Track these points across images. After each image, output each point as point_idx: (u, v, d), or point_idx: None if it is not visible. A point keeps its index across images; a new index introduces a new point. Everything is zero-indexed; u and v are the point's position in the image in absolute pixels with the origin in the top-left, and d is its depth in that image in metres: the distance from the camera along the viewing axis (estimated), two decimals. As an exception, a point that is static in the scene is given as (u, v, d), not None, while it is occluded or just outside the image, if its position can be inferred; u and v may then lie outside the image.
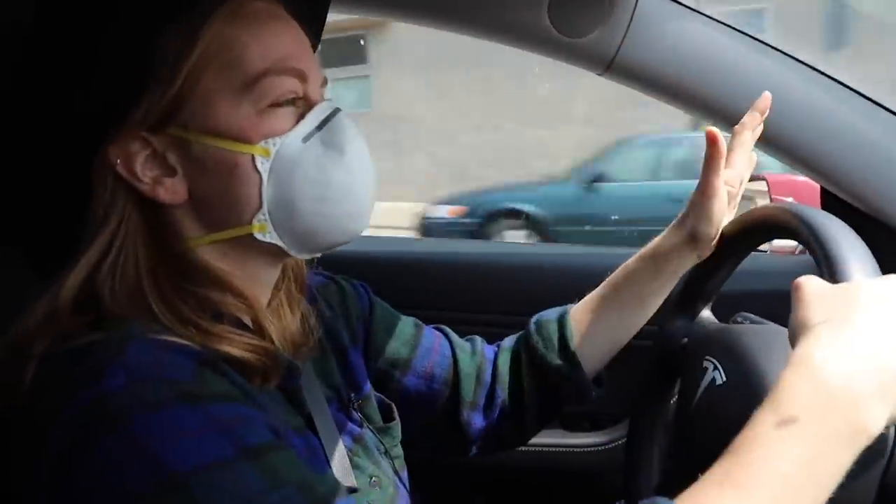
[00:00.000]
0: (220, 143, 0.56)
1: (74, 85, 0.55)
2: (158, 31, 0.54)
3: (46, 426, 0.47)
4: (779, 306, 0.87)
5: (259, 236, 0.58)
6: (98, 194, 0.56)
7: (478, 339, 0.88)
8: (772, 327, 0.75)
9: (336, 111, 0.60)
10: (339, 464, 0.64)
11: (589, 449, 1.17)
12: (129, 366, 0.48)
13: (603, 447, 1.16)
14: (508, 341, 0.88)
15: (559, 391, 0.83)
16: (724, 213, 0.78)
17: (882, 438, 0.49)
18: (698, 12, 0.96)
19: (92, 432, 0.46)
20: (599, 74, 1.00)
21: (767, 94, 0.79)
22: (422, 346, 0.83)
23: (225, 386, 0.51)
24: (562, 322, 0.84)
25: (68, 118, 0.55)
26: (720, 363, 0.69)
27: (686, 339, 0.80)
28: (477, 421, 0.84)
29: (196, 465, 0.45)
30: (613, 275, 0.85)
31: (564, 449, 1.18)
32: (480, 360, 0.85)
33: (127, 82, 0.54)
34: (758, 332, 0.72)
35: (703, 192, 0.76)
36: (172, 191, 0.57)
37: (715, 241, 0.79)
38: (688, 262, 0.81)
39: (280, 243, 0.59)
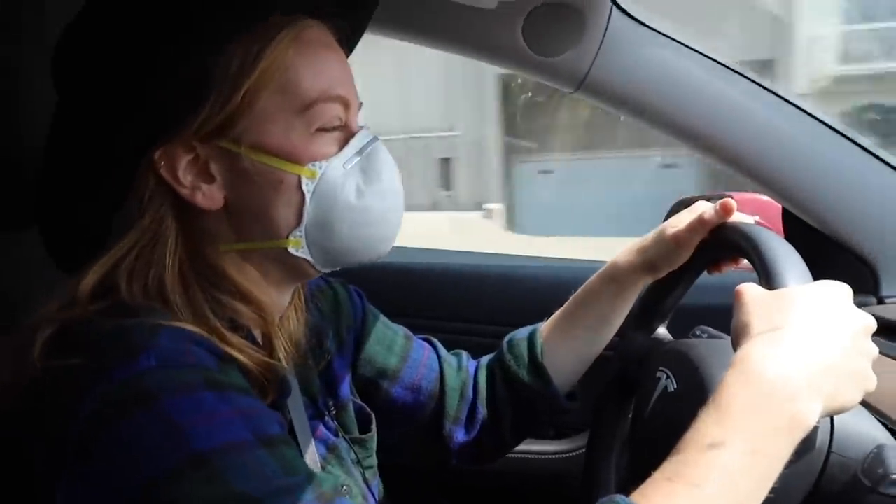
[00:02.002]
0: (270, 160, 0.58)
1: (136, 88, 0.56)
2: (223, 48, 0.56)
3: (74, 403, 0.49)
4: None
5: (293, 251, 0.61)
6: (138, 193, 0.58)
7: (464, 354, 0.91)
8: (723, 341, 0.79)
9: (374, 139, 0.64)
10: None
11: (554, 456, 1.20)
12: (161, 351, 0.51)
13: (567, 454, 1.19)
14: (485, 359, 0.91)
15: (533, 406, 0.86)
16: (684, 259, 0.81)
17: (815, 430, 0.53)
18: (667, 36, 1.00)
19: (125, 407, 0.48)
20: (571, 93, 1.03)
21: (731, 204, 0.74)
22: (411, 358, 0.86)
23: (243, 381, 0.55)
24: (532, 340, 0.87)
25: (125, 120, 0.57)
26: (672, 372, 0.72)
27: (643, 355, 0.83)
28: (459, 435, 0.86)
29: (220, 444, 0.48)
30: (577, 294, 0.88)
31: (531, 456, 1.20)
32: (465, 375, 0.88)
33: (188, 92, 0.56)
34: (708, 344, 0.75)
35: (677, 242, 0.78)
36: (210, 197, 0.59)
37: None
38: (645, 282, 0.85)
39: (310, 259, 0.62)
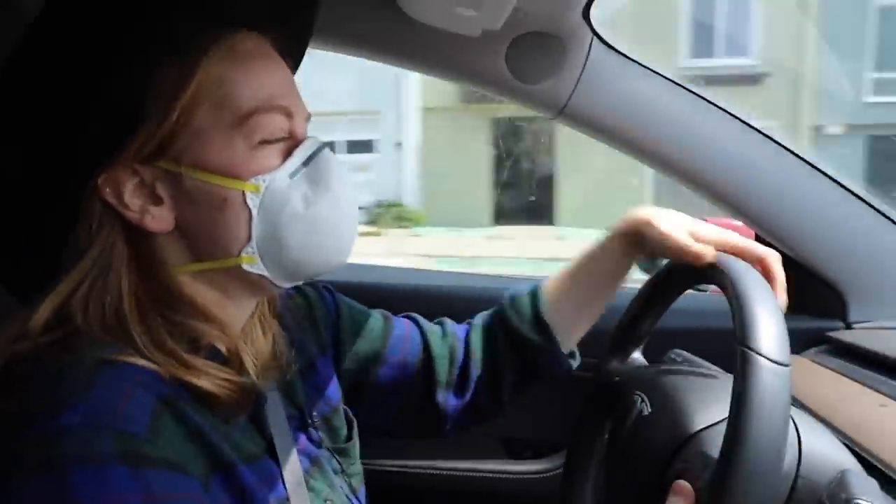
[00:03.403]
0: (211, 178, 0.57)
1: (70, 116, 0.56)
2: (155, 67, 0.55)
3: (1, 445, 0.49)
4: (713, 344, 0.93)
5: (247, 267, 0.60)
6: (85, 221, 0.57)
7: (448, 320, 0.90)
8: (695, 368, 0.81)
9: (321, 147, 0.62)
10: (296, 489, 0.65)
11: (532, 476, 1.20)
12: (90, 406, 0.49)
13: (545, 474, 1.20)
14: (479, 318, 0.89)
15: (534, 361, 0.84)
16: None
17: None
18: (645, 66, 1.03)
19: (31, 465, 0.47)
20: (552, 119, 1.06)
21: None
22: (392, 336, 0.84)
23: (175, 443, 0.52)
24: (534, 295, 0.86)
25: (62, 147, 0.56)
26: (647, 396, 0.74)
27: (618, 379, 0.85)
28: (452, 400, 0.85)
29: None
30: (580, 255, 0.86)
31: (508, 476, 1.21)
32: (452, 340, 0.86)
33: (123, 116, 0.55)
34: (680, 371, 0.78)
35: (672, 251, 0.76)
36: (159, 219, 0.58)
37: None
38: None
39: (266, 274, 0.61)
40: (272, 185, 0.58)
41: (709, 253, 0.71)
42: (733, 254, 0.71)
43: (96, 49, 0.55)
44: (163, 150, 0.56)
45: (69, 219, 0.57)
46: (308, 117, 0.64)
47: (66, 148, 0.56)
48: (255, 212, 0.58)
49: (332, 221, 0.61)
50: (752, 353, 0.57)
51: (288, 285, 0.65)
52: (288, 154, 0.60)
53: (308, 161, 0.61)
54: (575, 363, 0.87)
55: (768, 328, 0.58)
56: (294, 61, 0.68)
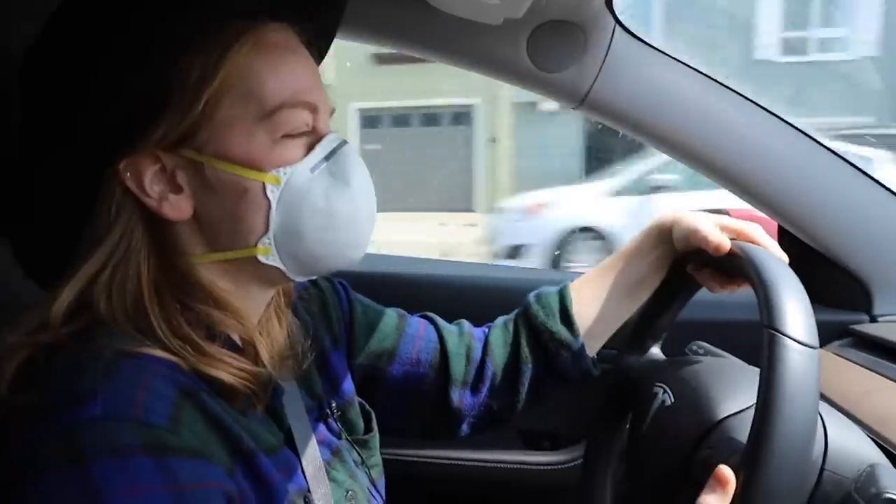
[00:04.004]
0: (233, 168, 0.57)
1: (96, 100, 0.56)
2: (182, 57, 0.55)
3: (18, 438, 0.49)
4: (734, 336, 0.92)
5: (262, 259, 0.60)
6: (104, 205, 0.57)
7: (465, 321, 0.89)
8: (717, 359, 0.80)
9: (343, 143, 0.62)
10: (316, 479, 0.65)
11: (549, 467, 1.20)
12: (110, 398, 0.49)
13: (562, 466, 1.20)
14: (500, 319, 0.89)
15: (558, 359, 0.84)
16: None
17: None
18: (667, 55, 1.02)
19: (55, 460, 0.47)
20: (573, 108, 1.05)
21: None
22: (406, 334, 0.84)
23: (196, 432, 0.52)
24: (562, 293, 0.85)
25: (86, 131, 0.56)
26: (669, 387, 0.74)
27: (637, 374, 0.84)
28: (467, 399, 0.84)
29: None
30: (610, 257, 0.87)
31: (526, 466, 1.21)
32: (469, 339, 0.86)
33: (147, 103, 0.55)
34: (703, 360, 0.77)
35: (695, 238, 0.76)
36: (177, 207, 0.58)
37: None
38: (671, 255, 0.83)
39: (282, 266, 0.61)
40: (293, 178, 0.59)
41: (728, 243, 0.72)
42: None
43: (123, 36, 0.55)
44: (185, 139, 0.57)
45: (89, 203, 0.58)
46: (332, 111, 0.64)
47: (89, 132, 0.56)
48: (274, 203, 0.58)
49: (349, 217, 0.62)
50: (779, 335, 0.56)
51: (302, 279, 0.65)
52: (310, 148, 0.60)
53: (329, 156, 0.61)
54: (596, 370, 0.87)
55: (795, 310, 0.58)
56: (320, 53, 0.68)
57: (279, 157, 0.58)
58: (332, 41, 0.71)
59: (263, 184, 0.58)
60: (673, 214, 0.82)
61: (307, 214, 0.59)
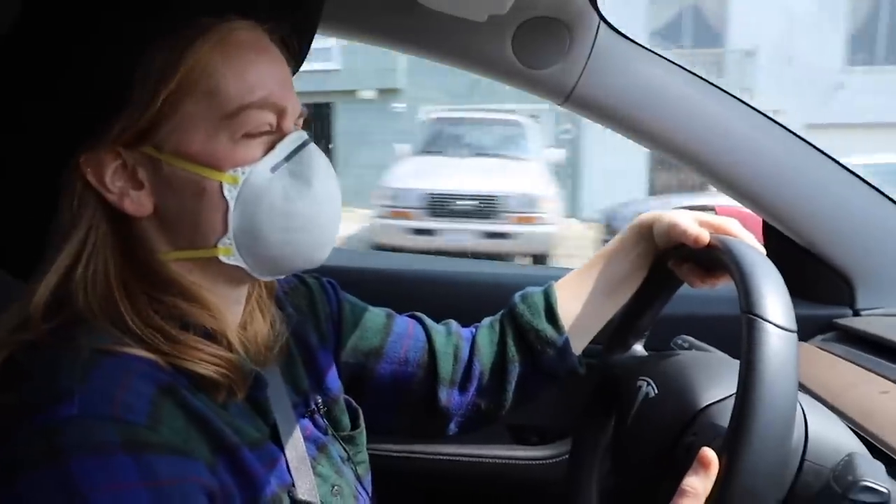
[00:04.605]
0: (189, 167, 0.57)
1: (52, 96, 0.55)
2: (141, 53, 0.55)
3: (0, 438, 0.49)
4: (718, 329, 0.93)
5: (224, 258, 0.60)
6: (66, 199, 0.57)
7: (453, 321, 0.90)
8: (700, 352, 0.81)
9: (306, 142, 0.61)
10: (301, 473, 0.65)
11: (537, 462, 1.21)
12: (88, 397, 0.49)
13: (551, 460, 1.20)
14: (487, 320, 0.90)
15: (544, 357, 0.84)
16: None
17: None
18: (652, 52, 1.02)
19: (34, 460, 0.47)
20: (559, 104, 1.05)
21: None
22: (393, 332, 0.84)
23: (176, 429, 0.52)
24: (547, 292, 0.86)
25: (44, 127, 0.56)
26: (653, 380, 0.74)
27: (621, 370, 0.85)
28: (455, 398, 0.84)
29: None
30: (594, 256, 0.88)
31: (514, 461, 1.21)
32: (457, 339, 0.87)
33: (105, 99, 0.55)
34: (687, 354, 0.78)
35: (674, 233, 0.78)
36: (138, 203, 0.58)
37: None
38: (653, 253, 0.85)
39: (244, 266, 0.61)
40: (251, 177, 0.58)
41: (708, 235, 0.74)
42: None
43: (82, 29, 0.55)
44: (145, 135, 0.56)
45: (53, 197, 0.57)
46: (302, 114, 0.63)
47: (48, 125, 0.56)
48: (231, 203, 0.58)
49: (311, 217, 0.61)
50: (758, 319, 0.57)
51: (268, 278, 0.65)
52: (271, 147, 0.60)
53: (291, 156, 0.60)
54: (581, 369, 0.87)
55: (773, 295, 0.59)
56: (300, 50, 0.67)
57: (239, 156, 0.58)
58: (311, 39, 0.70)
59: (221, 183, 0.57)
60: (653, 213, 0.84)
61: (265, 215, 0.59)
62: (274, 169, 0.59)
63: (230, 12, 0.58)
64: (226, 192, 0.58)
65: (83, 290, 0.56)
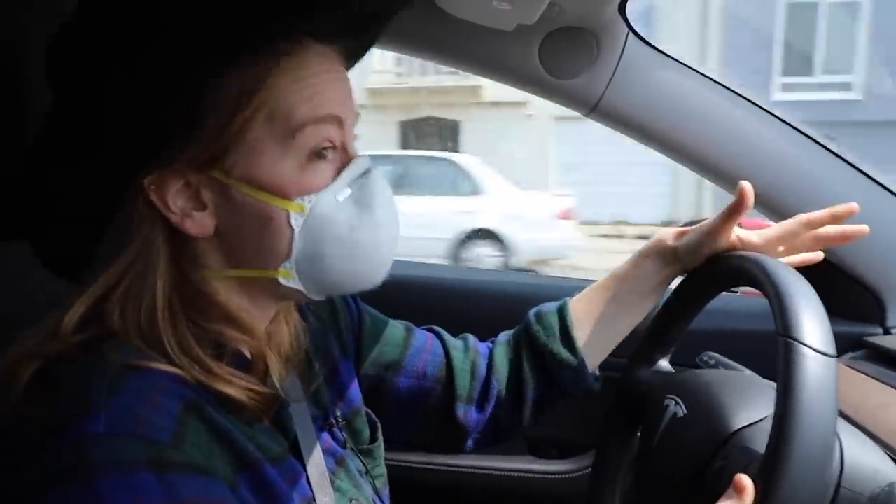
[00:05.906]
0: (258, 194, 0.57)
1: (127, 122, 0.54)
2: (217, 78, 0.54)
3: (29, 452, 0.49)
4: (745, 346, 0.91)
5: (283, 281, 0.60)
6: (127, 217, 0.56)
7: (470, 336, 0.90)
8: (729, 371, 0.79)
9: (369, 169, 0.62)
10: (321, 488, 0.65)
11: (557, 476, 1.19)
12: (114, 412, 0.49)
13: (570, 475, 1.19)
14: (503, 336, 0.89)
15: (559, 378, 0.84)
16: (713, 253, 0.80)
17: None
18: (681, 62, 1.01)
19: (60, 477, 0.47)
20: (585, 115, 1.04)
21: (854, 207, 0.78)
22: (413, 346, 0.84)
23: (200, 445, 0.52)
24: (562, 312, 0.85)
25: (117, 151, 0.55)
26: (681, 399, 0.73)
27: (647, 386, 0.84)
28: (472, 415, 0.84)
29: None
30: (610, 274, 0.87)
31: (532, 475, 1.20)
32: (474, 355, 0.86)
33: (179, 121, 0.54)
34: (715, 372, 0.76)
35: (710, 233, 0.77)
36: (200, 224, 0.58)
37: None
38: (673, 272, 0.84)
39: (302, 289, 0.61)
40: (317, 206, 0.58)
41: (756, 236, 0.75)
42: None
43: (161, 58, 0.53)
44: (215, 160, 0.56)
45: (111, 213, 0.57)
46: (357, 117, 0.63)
47: (121, 149, 0.55)
48: (297, 231, 0.58)
49: (372, 246, 0.61)
50: (796, 343, 0.55)
51: (319, 298, 0.64)
52: (337, 173, 0.60)
53: (354, 182, 0.60)
54: (597, 385, 0.87)
55: (811, 318, 0.57)
56: (356, 61, 0.67)
57: (306, 182, 0.57)
58: (368, 50, 0.70)
59: (288, 212, 0.57)
60: (673, 230, 0.83)
61: (330, 243, 0.59)
62: (339, 195, 0.59)
63: (305, 36, 0.58)
64: (292, 221, 0.57)
65: (119, 310, 0.55)
